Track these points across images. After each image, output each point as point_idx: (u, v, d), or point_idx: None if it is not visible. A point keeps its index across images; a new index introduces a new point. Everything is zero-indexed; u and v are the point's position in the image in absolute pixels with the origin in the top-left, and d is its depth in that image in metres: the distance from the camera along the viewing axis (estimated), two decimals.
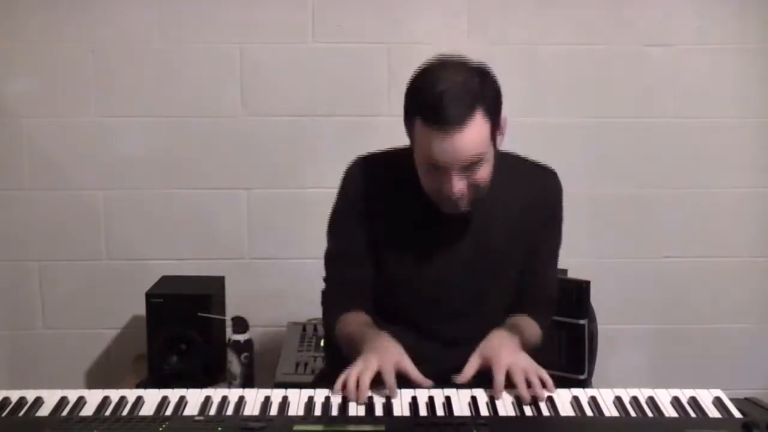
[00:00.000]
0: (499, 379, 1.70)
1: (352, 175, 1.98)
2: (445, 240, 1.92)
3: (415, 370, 1.73)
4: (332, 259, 2.01)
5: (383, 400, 1.67)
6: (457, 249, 1.92)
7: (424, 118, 1.74)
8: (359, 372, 1.70)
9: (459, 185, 1.76)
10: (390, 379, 1.69)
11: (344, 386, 1.69)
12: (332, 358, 2.11)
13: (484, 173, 1.79)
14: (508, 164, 1.93)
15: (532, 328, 1.97)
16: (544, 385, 1.71)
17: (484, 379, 1.75)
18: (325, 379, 1.76)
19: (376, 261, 1.95)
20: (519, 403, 1.67)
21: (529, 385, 1.69)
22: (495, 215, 1.92)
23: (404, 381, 1.72)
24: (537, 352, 1.89)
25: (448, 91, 1.72)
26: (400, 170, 1.90)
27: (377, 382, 1.70)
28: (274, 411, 1.63)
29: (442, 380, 1.73)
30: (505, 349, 1.77)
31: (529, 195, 1.95)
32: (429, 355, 1.83)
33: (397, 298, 1.96)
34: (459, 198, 1.79)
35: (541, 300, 2.03)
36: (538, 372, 1.72)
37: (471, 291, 1.94)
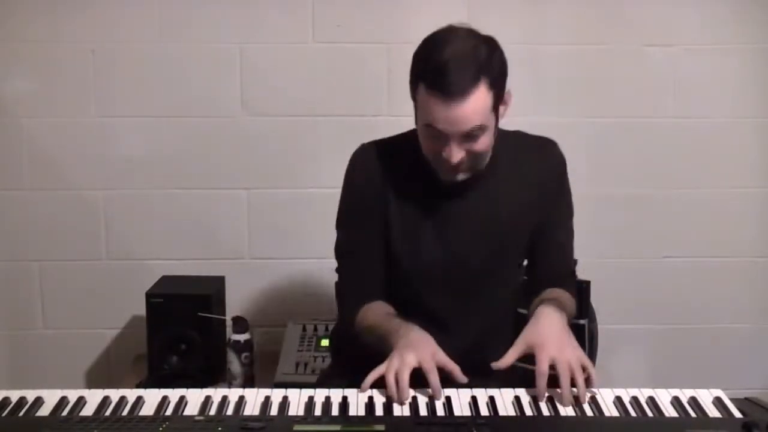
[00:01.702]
0: (542, 384, 1.67)
1: (356, 163, 1.97)
2: (454, 220, 1.91)
3: (453, 363, 1.71)
4: (344, 251, 1.99)
5: (383, 400, 1.67)
6: (466, 228, 1.91)
7: (427, 84, 1.74)
8: (397, 369, 1.67)
9: (457, 153, 1.76)
10: (435, 379, 1.66)
11: (373, 385, 1.67)
12: (337, 357, 2.10)
13: (483, 143, 1.79)
14: (511, 142, 1.94)
15: (570, 301, 1.97)
16: (588, 381, 1.68)
17: (484, 378, 1.75)
18: (329, 378, 1.75)
19: (387, 247, 1.93)
20: (519, 403, 1.67)
21: (573, 383, 1.67)
22: (502, 193, 1.92)
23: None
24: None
25: (454, 60, 1.72)
26: (404, 154, 1.90)
27: (418, 380, 1.68)
28: (274, 411, 1.64)
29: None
30: (552, 338, 1.73)
31: (534, 170, 1.95)
32: (439, 342, 1.79)
33: (406, 280, 1.93)
34: (456, 165, 1.78)
35: (567, 272, 2.04)
36: (582, 363, 1.69)
37: (485, 269, 1.93)
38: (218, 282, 2.85)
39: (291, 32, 2.95)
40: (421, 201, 1.91)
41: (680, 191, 3.07)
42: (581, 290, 2.52)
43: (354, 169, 1.98)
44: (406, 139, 1.90)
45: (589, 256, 2.99)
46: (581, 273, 2.56)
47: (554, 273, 2.01)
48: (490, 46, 1.80)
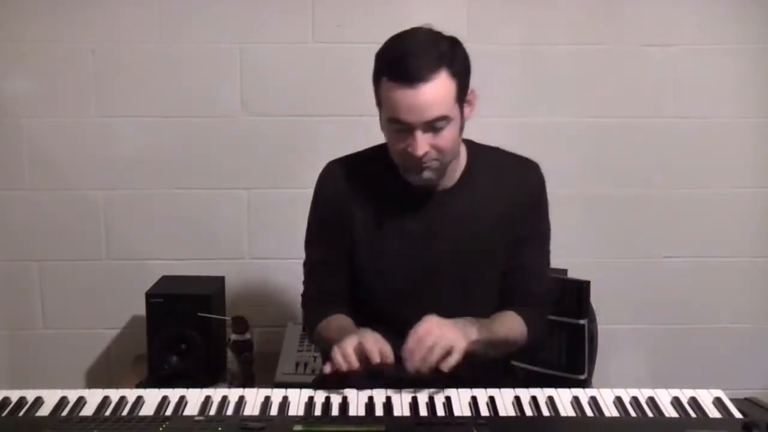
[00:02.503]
0: (409, 345, 1.70)
1: (323, 182, 2.01)
2: (427, 235, 1.91)
3: (371, 348, 1.72)
4: (311, 269, 2.03)
5: (383, 399, 1.67)
6: (440, 243, 1.91)
7: (388, 74, 1.78)
8: (340, 347, 1.72)
9: (423, 144, 1.77)
10: (370, 344, 1.70)
11: (371, 384, 1.70)
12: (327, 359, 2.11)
13: (448, 137, 1.79)
14: (491, 158, 1.94)
15: (510, 322, 1.93)
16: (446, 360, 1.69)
17: (484, 379, 1.75)
18: (323, 381, 1.76)
19: (355, 263, 1.95)
20: (519, 403, 1.67)
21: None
22: (478, 209, 1.91)
23: (397, 380, 1.72)
24: (524, 352, 1.88)
25: (414, 48, 1.76)
26: (373, 169, 1.92)
27: (373, 380, 1.70)
28: (274, 411, 1.64)
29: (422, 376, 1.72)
30: (430, 322, 1.75)
31: (513, 189, 1.95)
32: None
33: (378, 295, 1.95)
34: (423, 158, 1.78)
35: (529, 296, 1.98)
36: (446, 347, 1.70)
37: (455, 286, 1.93)
38: (218, 282, 2.85)
39: (291, 32, 2.95)
40: (390, 216, 1.92)
41: (680, 191, 3.07)
42: (581, 290, 2.52)
43: (321, 187, 2.01)
44: (375, 154, 1.91)
45: (589, 256, 3.02)
46: (581, 273, 2.57)
47: (515, 294, 1.97)
48: (453, 41, 1.83)
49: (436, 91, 1.74)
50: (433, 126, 1.76)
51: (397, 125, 1.78)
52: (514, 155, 2.00)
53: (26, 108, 2.96)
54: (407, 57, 1.75)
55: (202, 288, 2.75)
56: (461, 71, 1.80)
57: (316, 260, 2.02)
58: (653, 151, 3.05)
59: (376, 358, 1.70)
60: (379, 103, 1.85)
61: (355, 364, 1.69)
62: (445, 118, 1.76)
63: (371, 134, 2.98)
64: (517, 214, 1.94)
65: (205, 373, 2.63)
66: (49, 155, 2.97)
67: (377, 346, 1.72)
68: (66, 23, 2.91)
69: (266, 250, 3.04)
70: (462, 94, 1.81)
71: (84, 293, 3.03)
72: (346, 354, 1.71)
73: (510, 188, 1.94)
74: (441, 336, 1.70)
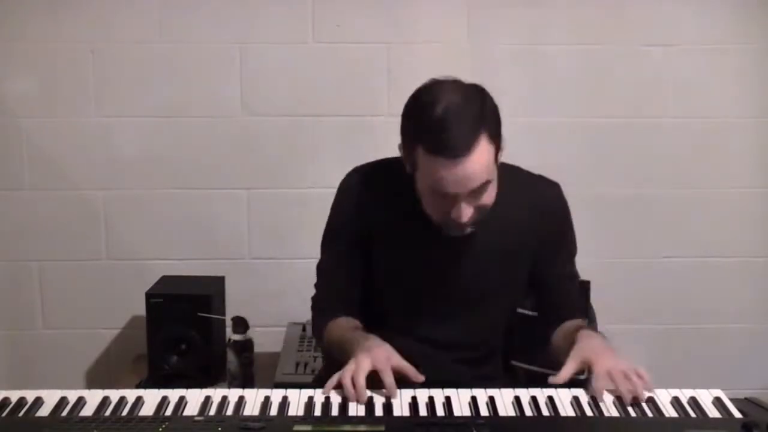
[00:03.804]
0: (600, 384, 1.68)
1: (347, 188, 1.96)
2: (447, 257, 1.90)
3: (408, 365, 1.72)
4: (324, 271, 2.01)
5: (383, 399, 1.67)
6: (458, 263, 1.90)
7: (427, 147, 1.69)
8: (352, 372, 1.68)
9: (468, 212, 1.74)
10: (388, 378, 1.68)
11: (335, 387, 1.68)
12: (330, 361, 2.10)
13: (490, 196, 1.77)
14: (510, 177, 1.88)
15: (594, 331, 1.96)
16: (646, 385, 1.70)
17: (483, 379, 1.75)
18: (321, 382, 1.76)
19: (371, 274, 1.94)
20: (519, 403, 1.67)
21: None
22: (497, 231, 1.88)
23: (401, 380, 1.71)
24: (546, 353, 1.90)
25: (451, 116, 1.67)
26: (396, 183, 1.87)
27: (377, 383, 1.69)
28: (274, 411, 1.63)
29: (439, 383, 1.72)
30: (604, 353, 1.75)
31: (534, 212, 1.92)
32: (422, 358, 1.81)
33: (392, 309, 1.95)
34: (467, 224, 1.77)
35: (578, 305, 2.05)
36: (638, 371, 1.70)
37: (475, 306, 1.93)
38: (218, 282, 2.85)
39: (291, 32, 2.95)
40: (412, 235, 1.89)
41: (680, 191, 3.07)
42: (581, 290, 2.52)
43: (343, 194, 1.97)
44: (400, 166, 1.84)
45: (589, 256, 3.00)
46: (581, 273, 2.55)
47: (566, 304, 2.00)
48: (481, 95, 1.75)
49: (479, 161, 1.68)
50: (476, 191, 1.73)
51: (440, 195, 1.74)
52: (536, 177, 1.98)
53: (26, 108, 2.96)
54: (447, 131, 1.66)
55: (202, 288, 2.76)
56: (496, 129, 1.74)
57: (330, 265, 2.00)
58: (653, 151, 3.05)
59: (418, 378, 1.69)
60: (413, 168, 1.77)
61: (365, 399, 1.65)
62: (488, 182, 1.74)
63: (371, 134, 2.99)
64: (547, 239, 1.94)
65: (205, 373, 2.63)
66: (49, 155, 2.98)
67: (407, 365, 1.71)
68: (66, 23, 2.91)
69: (266, 250, 3.04)
70: (498, 150, 1.76)
71: (84, 293, 3.03)
72: (359, 388, 1.66)
73: (536, 215, 1.92)
74: (620, 366, 1.70)
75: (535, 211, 1.93)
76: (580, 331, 1.83)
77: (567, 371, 1.71)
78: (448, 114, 1.67)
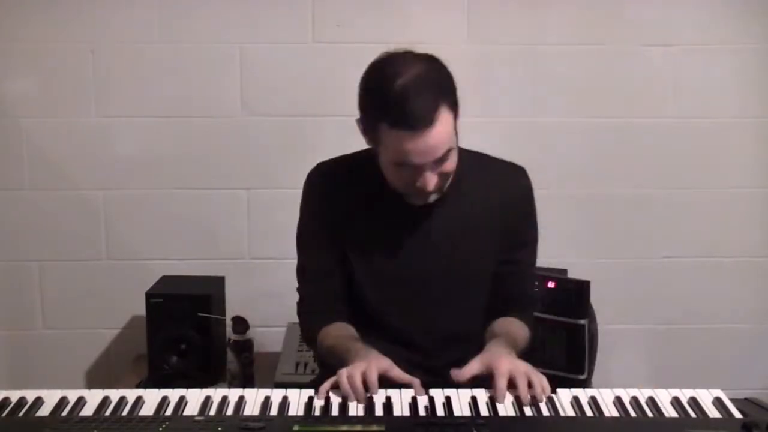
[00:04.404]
0: (501, 384, 1.68)
1: (311, 184, 1.97)
2: (418, 239, 1.90)
3: (410, 377, 1.72)
4: (304, 273, 2.01)
5: (383, 400, 1.67)
6: (431, 247, 1.90)
7: (390, 122, 1.71)
8: (349, 373, 1.68)
9: (432, 180, 1.76)
10: (372, 376, 1.67)
11: (328, 392, 1.68)
12: (325, 368, 2.10)
13: (453, 162, 1.79)
14: (475, 163, 1.92)
15: (522, 331, 1.95)
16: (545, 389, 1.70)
17: (483, 379, 1.75)
18: (318, 384, 1.75)
19: (348, 266, 1.93)
20: (519, 403, 1.67)
21: (530, 386, 1.68)
22: (470, 215, 1.91)
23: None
24: (525, 354, 1.89)
25: (412, 90, 1.69)
26: (360, 172, 1.89)
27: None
28: (274, 411, 1.63)
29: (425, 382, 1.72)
30: (507, 357, 1.75)
31: (504, 195, 1.94)
32: (404, 359, 1.81)
33: (369, 303, 1.94)
34: (432, 191, 1.79)
35: (524, 299, 2.02)
36: (537, 375, 1.71)
37: (448, 293, 1.93)
38: (218, 282, 2.85)
39: (291, 32, 2.95)
40: (381, 224, 1.90)
41: (680, 191, 3.07)
42: (581, 290, 2.52)
43: (311, 190, 1.97)
44: (365, 158, 1.87)
45: (589, 256, 3.02)
46: (581, 273, 2.57)
47: (512, 299, 1.98)
48: (437, 64, 1.77)
49: (442, 130, 1.71)
50: (440, 160, 1.75)
51: (405, 166, 1.76)
52: (502, 161, 1.99)
53: (26, 108, 2.96)
54: (409, 105, 1.68)
55: (202, 288, 2.76)
56: (453, 96, 1.76)
57: (311, 267, 2.00)
58: (653, 151, 3.05)
59: (420, 393, 1.69)
60: (375, 143, 1.79)
61: (363, 399, 1.66)
62: (450, 150, 1.76)
63: None
64: (509, 221, 1.94)
65: (205, 373, 2.63)
66: (49, 155, 2.98)
67: (409, 377, 1.71)
68: (65, 23, 2.91)
69: (266, 250, 3.04)
70: (456, 117, 1.78)
71: (84, 293, 3.03)
72: (357, 388, 1.66)
73: (501, 195, 1.94)
74: (521, 369, 1.70)
75: (503, 191, 1.93)
76: (489, 344, 1.83)
77: (468, 369, 1.72)
78: (409, 88, 1.69)
